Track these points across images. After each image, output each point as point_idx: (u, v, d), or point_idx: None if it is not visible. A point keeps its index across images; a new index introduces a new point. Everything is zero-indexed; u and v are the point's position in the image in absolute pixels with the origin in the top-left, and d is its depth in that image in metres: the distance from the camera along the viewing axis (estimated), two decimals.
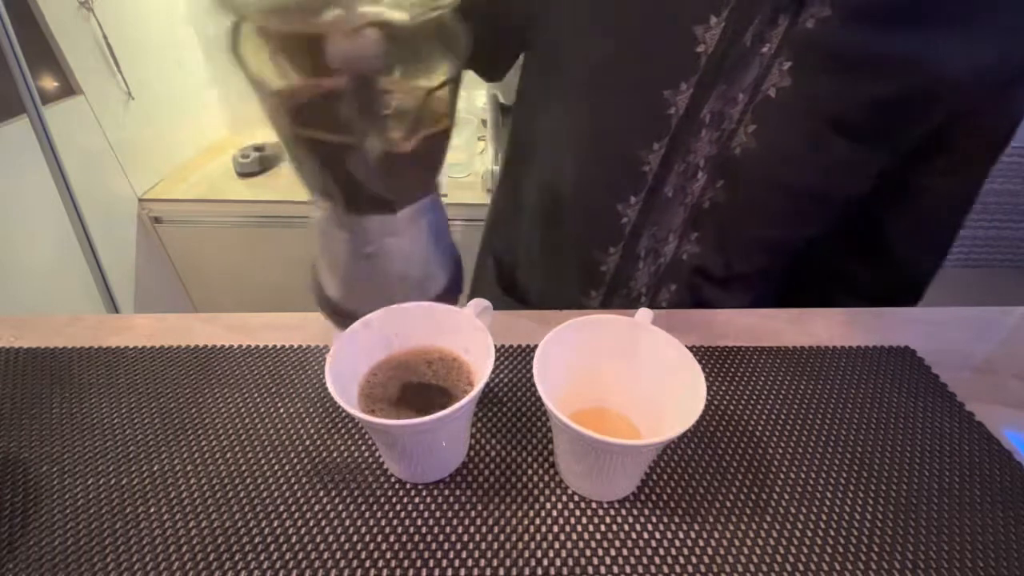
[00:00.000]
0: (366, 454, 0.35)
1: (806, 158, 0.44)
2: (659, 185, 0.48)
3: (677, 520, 0.31)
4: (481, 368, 0.32)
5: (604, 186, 0.50)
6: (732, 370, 0.41)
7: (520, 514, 0.31)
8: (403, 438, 0.30)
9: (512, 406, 0.38)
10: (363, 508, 0.31)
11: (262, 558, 0.29)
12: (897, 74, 0.40)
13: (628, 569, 0.29)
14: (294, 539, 0.30)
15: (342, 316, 0.35)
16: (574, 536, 0.30)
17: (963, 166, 0.46)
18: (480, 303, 0.36)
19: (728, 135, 0.44)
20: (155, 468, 0.34)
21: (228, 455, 0.34)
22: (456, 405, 0.28)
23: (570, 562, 0.29)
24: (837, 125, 0.42)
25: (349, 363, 0.32)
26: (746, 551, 0.29)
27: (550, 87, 0.50)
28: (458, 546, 0.30)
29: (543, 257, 0.58)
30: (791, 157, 0.44)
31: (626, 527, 0.31)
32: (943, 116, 0.42)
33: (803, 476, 0.33)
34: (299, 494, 0.32)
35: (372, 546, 0.30)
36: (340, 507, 0.32)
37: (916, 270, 0.52)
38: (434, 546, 0.30)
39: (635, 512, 0.31)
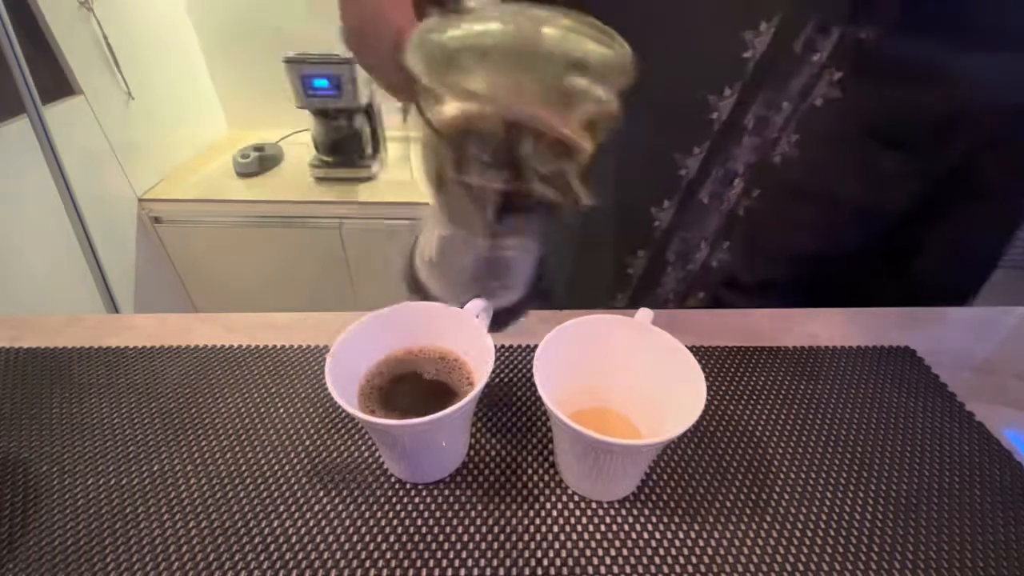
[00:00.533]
0: (366, 454, 0.35)
1: (848, 170, 0.43)
2: (695, 190, 0.47)
3: (677, 520, 0.31)
4: (481, 368, 0.32)
5: (638, 188, 0.49)
6: (732, 370, 0.41)
7: (520, 514, 0.31)
8: (403, 438, 0.30)
9: (512, 406, 0.38)
10: (363, 508, 0.31)
11: (262, 558, 0.29)
12: (949, 90, 0.39)
13: (628, 569, 0.29)
14: (294, 539, 0.30)
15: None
16: (574, 536, 0.30)
17: (1003, 192, 0.45)
18: (480, 303, 0.36)
19: (770, 143, 0.43)
20: (155, 468, 0.34)
21: (228, 455, 0.34)
22: (456, 405, 0.28)
23: (570, 562, 0.29)
24: (883, 138, 0.41)
25: (349, 363, 0.32)
26: (746, 551, 0.29)
27: None
28: (458, 546, 0.30)
29: (569, 256, 0.57)
30: (833, 168, 0.43)
31: (626, 527, 0.31)
32: (989, 137, 0.41)
33: (803, 476, 0.33)
34: (299, 494, 0.32)
35: (372, 546, 0.30)
36: (340, 507, 0.32)
37: (950, 292, 0.51)
38: (434, 546, 0.30)
39: (635, 512, 0.31)
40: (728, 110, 0.43)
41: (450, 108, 0.26)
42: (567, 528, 0.31)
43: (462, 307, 0.35)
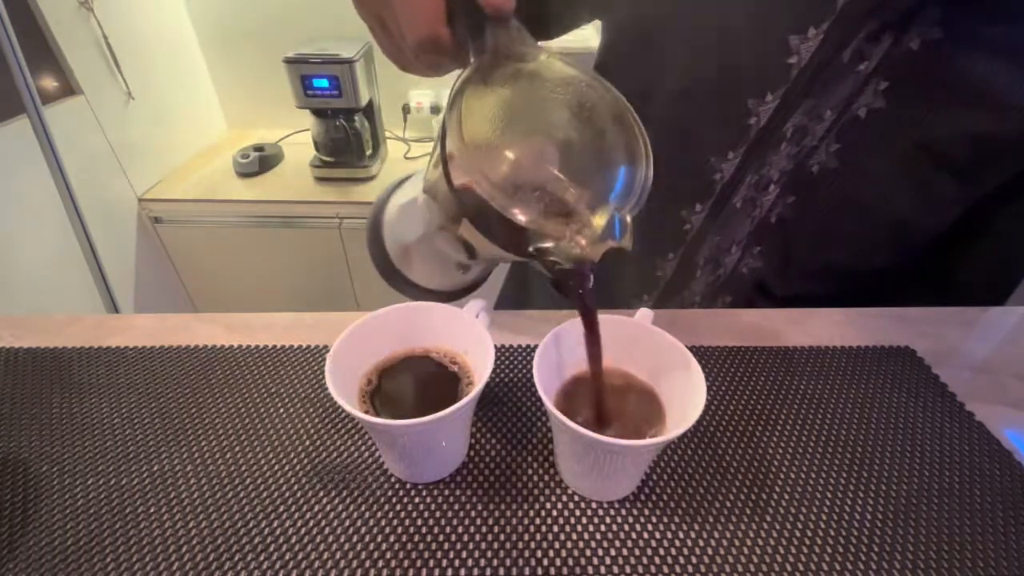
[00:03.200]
0: (366, 454, 0.35)
1: (886, 184, 0.42)
2: (728, 195, 0.46)
3: (677, 520, 0.31)
4: (481, 368, 0.32)
5: (670, 190, 0.48)
6: (732, 370, 0.41)
7: (520, 514, 0.31)
8: (403, 438, 0.30)
9: (512, 406, 0.38)
10: (363, 508, 0.31)
11: (262, 558, 0.29)
12: (998, 110, 0.37)
13: (628, 569, 0.29)
14: (294, 539, 0.30)
15: (400, 283, 0.39)
16: (574, 536, 0.30)
17: None
18: (479, 303, 0.36)
19: (808, 152, 0.42)
20: (155, 468, 0.34)
21: (228, 455, 0.34)
22: (456, 405, 0.28)
23: (570, 562, 0.29)
24: (926, 153, 0.40)
25: (349, 363, 0.32)
26: (746, 551, 0.29)
27: (629, 77, 0.48)
28: (458, 546, 0.30)
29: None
30: (870, 181, 0.42)
31: (626, 527, 0.31)
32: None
33: (803, 476, 0.33)
34: (299, 494, 0.32)
35: (372, 546, 0.30)
36: (340, 507, 0.32)
37: (984, 302, 0.49)
38: (434, 546, 0.30)
39: (635, 512, 0.31)
40: (768, 116, 0.42)
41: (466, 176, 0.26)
42: (567, 528, 0.31)
43: (461, 306, 0.35)
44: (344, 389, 0.30)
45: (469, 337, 0.34)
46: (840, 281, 0.49)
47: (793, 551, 0.29)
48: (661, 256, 0.51)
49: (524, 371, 0.41)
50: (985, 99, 0.38)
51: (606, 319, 0.34)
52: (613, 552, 0.29)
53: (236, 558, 0.29)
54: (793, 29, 0.39)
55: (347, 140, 1.36)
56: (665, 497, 0.32)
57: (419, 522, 0.31)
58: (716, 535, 0.30)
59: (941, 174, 0.41)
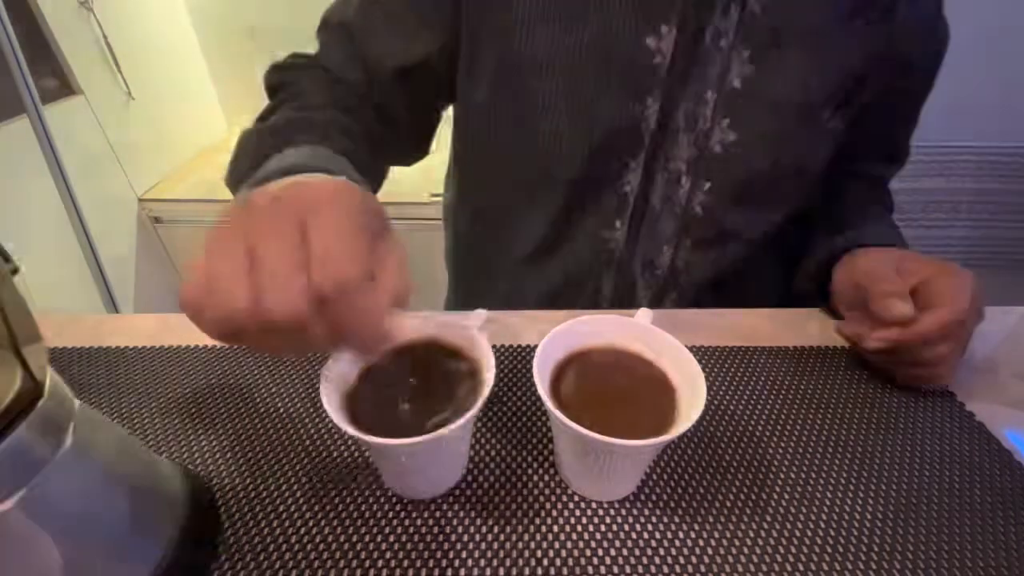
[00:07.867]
0: (366, 454, 0.35)
1: (781, 138, 0.45)
2: (643, 202, 0.47)
3: (677, 520, 0.31)
4: (482, 379, 0.31)
5: (586, 215, 0.49)
6: (732, 370, 0.41)
7: (520, 514, 0.31)
8: (400, 457, 0.29)
9: (512, 406, 0.38)
10: (363, 508, 0.31)
11: (262, 558, 0.29)
12: (832, 50, 0.42)
13: (628, 569, 0.29)
14: (293, 539, 0.30)
15: None
16: (574, 536, 0.30)
17: (910, 90, 0.51)
18: (481, 314, 0.36)
19: (704, 134, 0.44)
20: None
21: (228, 455, 0.34)
22: (454, 424, 0.27)
23: (570, 562, 0.29)
24: (801, 99, 0.43)
25: (345, 373, 0.31)
26: (746, 551, 0.29)
27: (510, 119, 0.47)
28: (458, 546, 0.30)
29: (537, 289, 0.55)
30: (767, 140, 0.45)
31: (626, 527, 0.31)
32: (890, 76, 0.45)
33: (803, 476, 0.33)
34: (299, 495, 0.32)
35: (372, 546, 0.30)
36: (340, 507, 0.31)
37: (881, 177, 0.56)
38: (434, 546, 0.30)
39: (635, 512, 0.31)
40: (655, 117, 0.43)
41: None
42: (567, 528, 0.31)
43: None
44: (339, 400, 0.29)
45: (469, 347, 0.33)
46: (765, 244, 0.51)
47: (793, 551, 0.29)
48: (596, 279, 0.52)
49: (524, 371, 0.41)
50: (823, 37, 0.42)
51: (608, 319, 0.34)
52: (613, 552, 0.29)
53: (236, 558, 0.29)
54: (646, 32, 0.41)
55: None
56: (665, 497, 0.32)
57: (419, 522, 0.31)
58: (716, 535, 0.30)
59: (816, 113, 0.44)
